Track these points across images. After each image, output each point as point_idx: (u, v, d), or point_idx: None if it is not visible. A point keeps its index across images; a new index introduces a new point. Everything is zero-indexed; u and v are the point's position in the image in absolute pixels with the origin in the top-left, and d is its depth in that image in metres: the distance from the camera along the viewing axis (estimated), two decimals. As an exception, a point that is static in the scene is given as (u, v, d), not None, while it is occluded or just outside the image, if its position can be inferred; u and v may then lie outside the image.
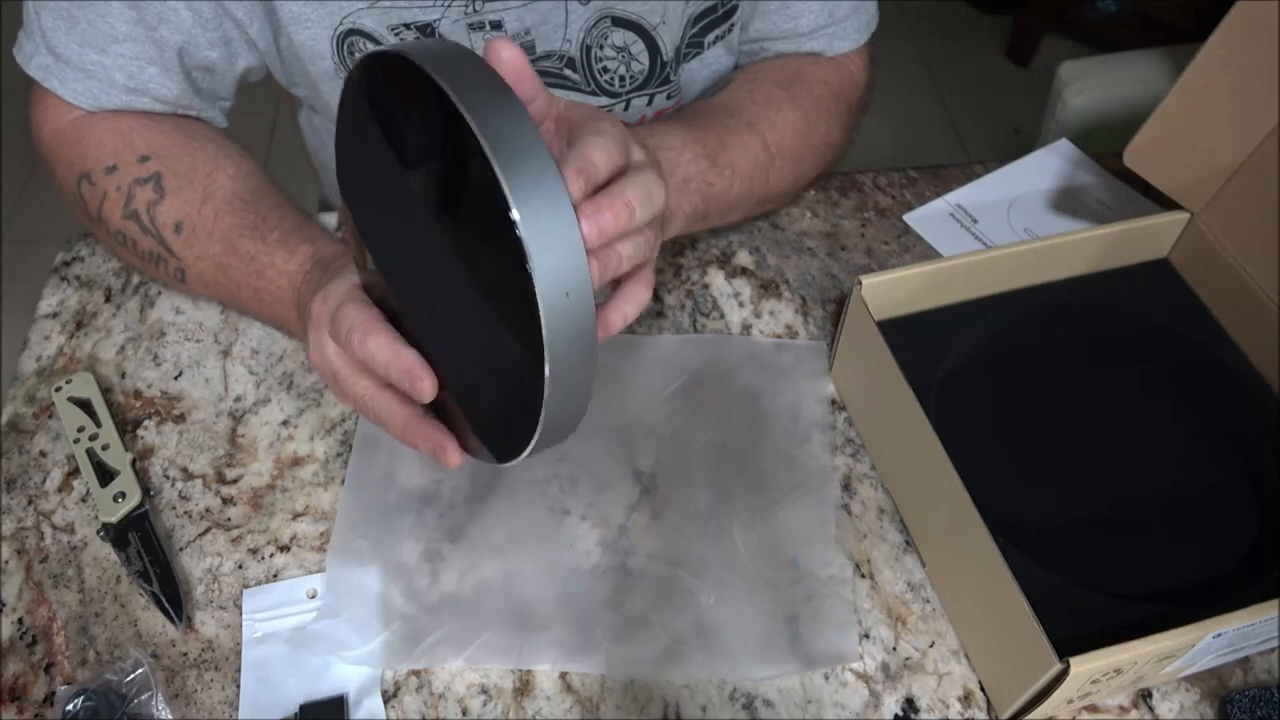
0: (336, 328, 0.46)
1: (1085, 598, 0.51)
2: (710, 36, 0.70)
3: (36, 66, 0.62)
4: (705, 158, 0.61)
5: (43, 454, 0.62)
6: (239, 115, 0.71)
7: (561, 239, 0.36)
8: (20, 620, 0.55)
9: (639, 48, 0.67)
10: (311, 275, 0.55)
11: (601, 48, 0.67)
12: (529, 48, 0.66)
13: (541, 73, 0.68)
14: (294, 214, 0.61)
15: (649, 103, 0.72)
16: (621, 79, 0.69)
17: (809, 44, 0.70)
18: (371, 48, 0.63)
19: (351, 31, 0.63)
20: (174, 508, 0.60)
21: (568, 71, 0.68)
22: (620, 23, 0.66)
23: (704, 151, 0.61)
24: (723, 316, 0.69)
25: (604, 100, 0.71)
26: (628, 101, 0.71)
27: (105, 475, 0.59)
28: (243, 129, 0.70)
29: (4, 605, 0.56)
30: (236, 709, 0.52)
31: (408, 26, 0.63)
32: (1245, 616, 0.46)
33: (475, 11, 0.62)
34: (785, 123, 0.67)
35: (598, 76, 0.68)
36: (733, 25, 0.71)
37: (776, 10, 0.69)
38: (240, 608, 0.55)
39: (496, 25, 0.64)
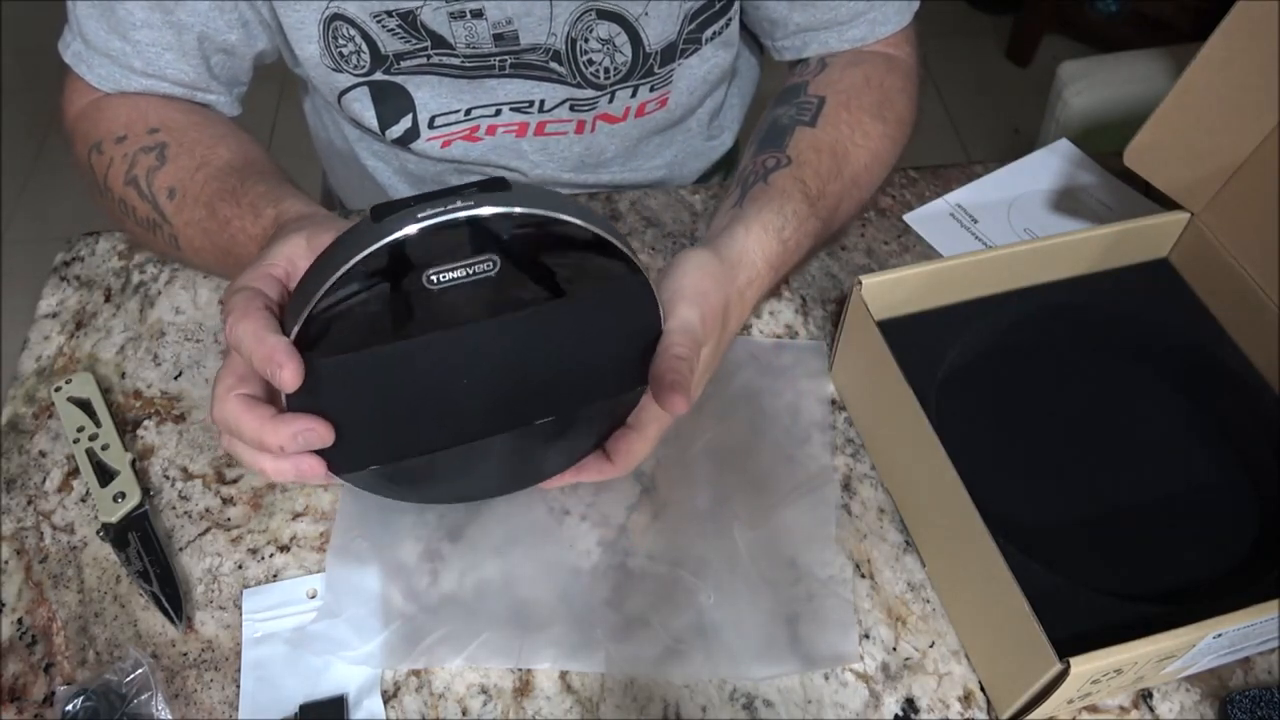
0: (226, 310, 0.44)
1: (1085, 598, 0.51)
2: (708, 32, 0.70)
3: (72, 54, 0.65)
4: (815, 230, 0.63)
5: (42, 454, 0.62)
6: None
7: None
8: (20, 620, 0.55)
9: (622, 39, 0.67)
10: None
11: (587, 40, 0.67)
12: (512, 38, 0.66)
13: (527, 65, 0.68)
14: (273, 180, 0.60)
15: (633, 94, 0.72)
16: (606, 71, 0.69)
17: (851, 31, 0.70)
18: (353, 33, 0.64)
19: (335, 16, 0.64)
20: (174, 508, 0.60)
21: (553, 65, 0.68)
22: (605, 15, 0.66)
23: (817, 228, 0.63)
24: (723, 316, 0.69)
25: (589, 93, 0.71)
26: (612, 94, 0.71)
27: (105, 475, 0.59)
28: (243, 124, 0.70)
29: (4, 605, 0.56)
30: (236, 709, 0.52)
31: (390, 14, 0.63)
32: (1245, 616, 0.46)
33: None
34: (881, 161, 0.68)
35: (583, 69, 0.68)
36: (730, 20, 0.71)
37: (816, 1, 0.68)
38: (240, 608, 0.55)
39: (478, 14, 0.64)
